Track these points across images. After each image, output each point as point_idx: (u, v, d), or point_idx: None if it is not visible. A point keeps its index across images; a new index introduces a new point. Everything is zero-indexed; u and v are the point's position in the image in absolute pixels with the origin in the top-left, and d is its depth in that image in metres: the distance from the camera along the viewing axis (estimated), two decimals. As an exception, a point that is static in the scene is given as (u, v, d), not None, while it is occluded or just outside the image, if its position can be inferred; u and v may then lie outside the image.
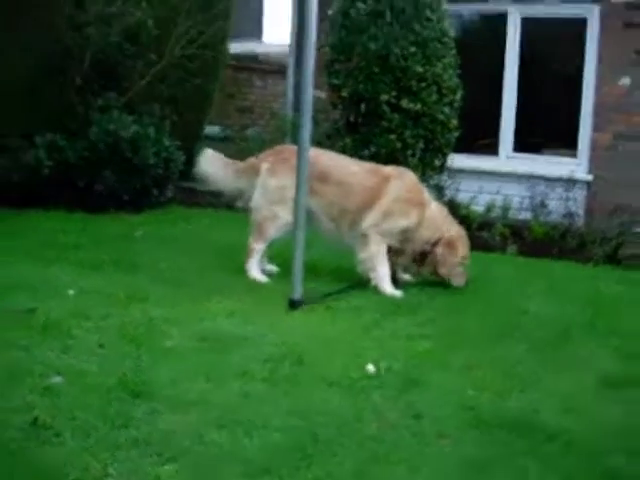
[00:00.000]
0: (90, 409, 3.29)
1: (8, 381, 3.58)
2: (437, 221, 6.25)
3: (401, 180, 6.28)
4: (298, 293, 5.25)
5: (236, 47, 12.86)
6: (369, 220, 6.07)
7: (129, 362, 3.90)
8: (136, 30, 9.30)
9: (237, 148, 10.69)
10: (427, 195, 6.42)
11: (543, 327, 5.08)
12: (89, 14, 9.06)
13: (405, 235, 6.16)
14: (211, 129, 11.73)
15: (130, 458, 2.90)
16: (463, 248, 6.30)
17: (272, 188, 6.29)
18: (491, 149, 10.42)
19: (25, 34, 8.59)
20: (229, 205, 10.02)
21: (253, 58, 16.23)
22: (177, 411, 3.33)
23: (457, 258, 6.21)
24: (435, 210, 6.33)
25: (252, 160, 6.74)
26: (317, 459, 2.97)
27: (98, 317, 4.72)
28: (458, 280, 6.25)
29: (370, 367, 3.99)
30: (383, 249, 6.08)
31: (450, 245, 6.20)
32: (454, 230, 6.33)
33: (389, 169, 6.50)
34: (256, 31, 22.48)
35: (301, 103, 5.36)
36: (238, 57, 13.70)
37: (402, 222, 6.12)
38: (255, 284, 5.96)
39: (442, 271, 6.22)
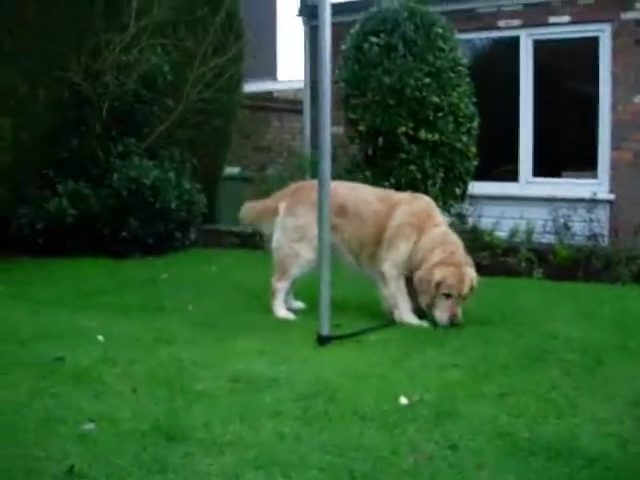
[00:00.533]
0: (125, 455, 3.28)
1: (42, 430, 3.58)
2: (426, 245, 5.80)
3: (409, 205, 6.04)
4: (326, 329, 5.23)
5: (251, 87, 13.00)
6: (382, 254, 5.95)
7: (162, 406, 3.89)
8: (152, 76, 9.42)
9: (257, 188, 10.77)
10: (436, 220, 6.03)
11: (575, 351, 5.02)
12: (106, 63, 9.18)
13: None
14: (230, 170, 11.82)
15: (167, 503, 2.89)
16: (445, 276, 5.65)
17: (291, 227, 6.26)
18: (511, 175, 10.43)
19: (44, 85, 8.71)
20: (253, 245, 10.13)
21: (268, 97, 16.39)
22: (212, 453, 3.31)
23: (431, 286, 5.67)
24: (433, 234, 5.87)
25: (269, 201, 6.67)
26: (356, 496, 2.94)
27: (127, 362, 4.73)
28: (438, 314, 5.72)
29: (403, 399, 3.97)
30: (401, 284, 5.92)
31: (428, 271, 5.70)
32: (439, 255, 5.73)
33: (402, 195, 6.35)
34: (271, 69, 22.75)
35: (319, 140, 5.37)
36: (254, 96, 13.84)
37: (403, 247, 5.88)
38: (282, 322, 5.96)
39: (420, 299, 5.80)
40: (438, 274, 5.64)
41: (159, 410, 3.83)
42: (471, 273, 5.79)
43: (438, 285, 5.65)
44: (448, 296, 5.65)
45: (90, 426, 3.61)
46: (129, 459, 3.25)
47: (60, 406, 3.91)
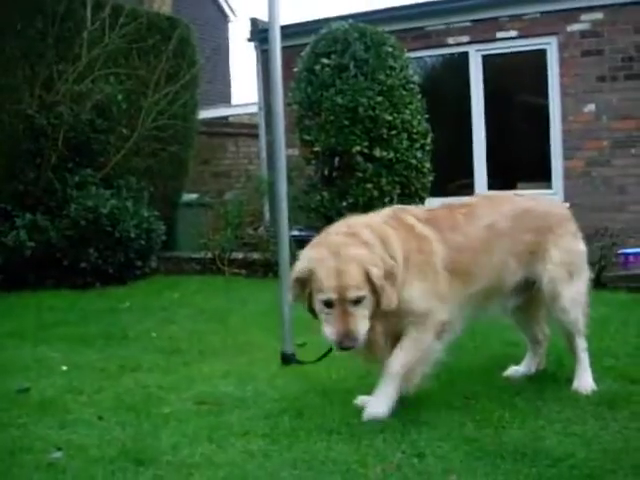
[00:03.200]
0: (95, 482, 3.28)
1: (9, 460, 3.56)
2: None
3: None
4: (289, 347, 5.26)
5: (206, 113, 13.05)
6: None
7: (129, 431, 3.89)
8: (107, 105, 9.42)
9: (216, 214, 10.81)
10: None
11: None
12: (59, 94, 9.17)
13: None
14: (188, 196, 11.83)
15: (139, 526, 2.89)
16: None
17: None
18: (467, 189, 10.54)
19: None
20: (213, 271, 10.14)
21: (224, 122, 16.44)
22: (181, 475, 3.32)
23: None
24: None
25: None
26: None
27: (93, 390, 4.73)
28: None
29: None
30: None
31: None
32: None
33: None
34: (225, 95, 22.82)
35: (274, 162, 5.43)
36: (209, 122, 13.88)
37: None
38: (246, 344, 5.95)
39: None
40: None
41: (126, 435, 3.83)
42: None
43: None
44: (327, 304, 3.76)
45: (58, 455, 3.60)
46: (99, 486, 3.25)
47: (26, 436, 3.90)
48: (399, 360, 3.96)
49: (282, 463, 3.40)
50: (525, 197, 4.83)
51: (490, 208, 4.46)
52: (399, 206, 4.56)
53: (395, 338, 4.04)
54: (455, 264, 4.12)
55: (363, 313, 3.73)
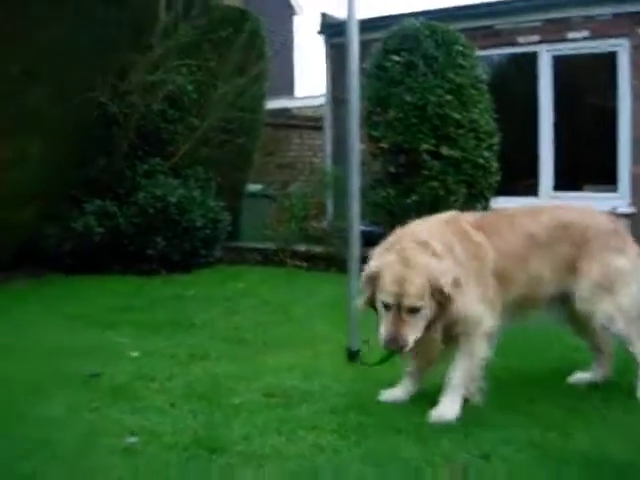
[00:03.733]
0: (169, 467, 3.39)
1: (85, 443, 3.69)
2: None
3: None
4: (355, 344, 5.31)
5: (271, 104, 13.12)
6: None
7: (200, 419, 3.99)
8: (178, 96, 9.56)
9: (280, 205, 10.91)
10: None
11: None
12: (132, 83, 9.33)
13: None
14: (253, 187, 11.95)
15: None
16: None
17: None
18: (532, 189, 10.49)
19: (72, 106, 8.86)
20: (276, 262, 10.24)
21: (287, 114, 16.52)
22: (253, 465, 3.40)
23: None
24: None
25: None
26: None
27: (163, 378, 4.83)
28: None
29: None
30: None
31: None
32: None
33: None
34: (288, 87, 22.92)
35: (348, 155, 5.47)
36: (274, 114, 13.98)
37: None
38: (310, 337, 6.02)
39: None
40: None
41: (198, 423, 3.93)
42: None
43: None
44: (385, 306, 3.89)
45: (133, 439, 3.71)
46: (173, 471, 3.36)
47: (101, 421, 4.02)
48: (460, 369, 4.06)
49: (351, 458, 3.47)
50: (569, 208, 4.80)
51: (530, 218, 4.52)
52: (453, 212, 4.56)
53: (446, 342, 4.13)
54: (500, 270, 4.21)
55: (417, 322, 3.83)
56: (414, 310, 3.81)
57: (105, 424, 3.95)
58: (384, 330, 3.84)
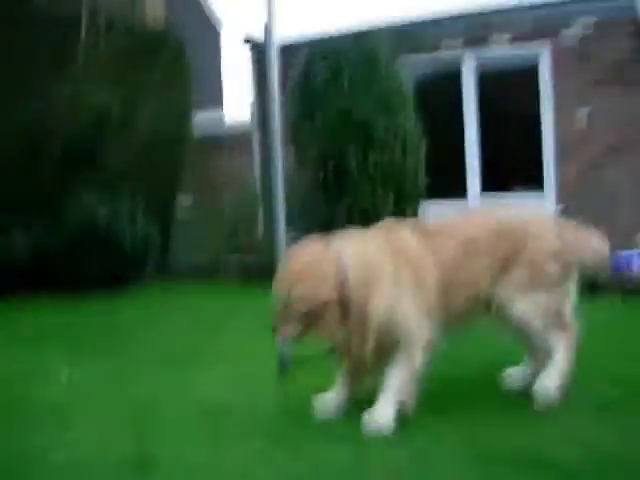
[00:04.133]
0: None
1: (12, 464, 3.63)
2: None
3: None
4: (286, 356, 5.27)
5: (199, 117, 13.03)
6: None
7: (132, 435, 3.93)
8: (103, 112, 9.44)
9: (211, 220, 10.85)
10: None
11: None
12: (53, 103, 9.18)
13: None
14: (183, 201, 11.86)
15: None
16: None
17: None
18: (461, 192, 10.59)
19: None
20: (209, 276, 10.18)
21: (216, 131, 16.44)
22: (185, 478, 3.36)
23: None
24: None
25: None
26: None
27: (95, 398, 4.77)
28: None
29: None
30: None
31: None
32: None
33: None
34: (217, 100, 22.78)
35: (271, 164, 5.47)
36: (202, 128, 13.88)
37: None
38: (244, 351, 5.97)
39: None
40: None
41: (129, 440, 3.87)
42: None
43: None
44: None
45: (60, 457, 3.63)
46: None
47: (28, 439, 3.93)
48: (395, 377, 4.00)
49: (284, 464, 3.45)
50: (504, 211, 4.76)
51: (466, 223, 4.54)
52: (391, 221, 4.52)
53: (382, 354, 4.06)
54: (440, 281, 4.17)
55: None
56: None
57: (32, 443, 3.87)
58: None
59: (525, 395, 4.30)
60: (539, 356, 4.56)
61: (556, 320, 4.36)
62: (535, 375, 4.43)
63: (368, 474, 3.35)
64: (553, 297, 4.37)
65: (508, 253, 4.33)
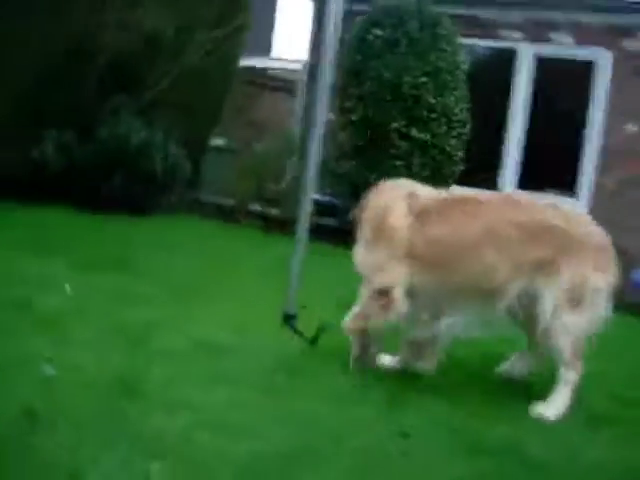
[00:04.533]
0: (85, 404, 3.33)
1: (3, 371, 3.61)
2: None
3: None
4: (292, 308, 5.27)
5: (246, 61, 12.95)
6: None
7: (124, 360, 3.94)
8: (155, 37, 9.38)
9: (242, 162, 10.81)
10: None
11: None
12: (108, 18, 9.14)
13: None
14: (218, 141, 11.82)
15: (120, 452, 2.94)
16: None
17: None
18: (493, 183, 10.51)
19: (43, 36, 8.67)
20: (232, 219, 10.18)
21: (262, 73, 16.34)
22: (168, 411, 3.37)
23: None
24: None
25: None
26: (305, 467, 3.01)
27: (95, 315, 4.78)
28: None
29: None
30: None
31: None
32: None
33: None
34: (266, 46, 22.66)
35: (312, 121, 5.41)
36: (249, 71, 13.81)
37: None
38: (251, 295, 5.97)
39: None
40: None
41: (122, 364, 3.88)
42: None
43: None
44: None
45: (52, 372, 3.64)
46: (88, 408, 3.31)
47: (23, 349, 3.94)
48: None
49: (267, 418, 3.45)
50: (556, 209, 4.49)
51: (496, 212, 4.39)
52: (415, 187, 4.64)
53: None
54: (425, 254, 4.27)
55: None
56: None
57: (27, 353, 3.88)
58: None
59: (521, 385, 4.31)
60: (540, 347, 4.53)
61: (581, 348, 4.23)
62: (533, 364, 4.50)
63: (349, 436, 3.34)
64: (593, 320, 4.21)
65: (547, 255, 4.19)
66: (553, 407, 4.11)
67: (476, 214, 4.36)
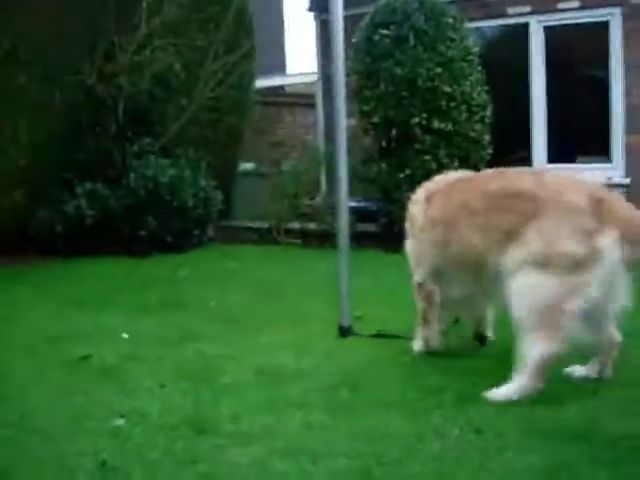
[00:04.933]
0: (156, 448, 3.35)
1: (73, 426, 3.66)
2: None
3: None
4: (347, 320, 5.28)
5: (262, 82, 13.03)
6: None
7: (190, 400, 3.96)
8: (165, 76, 9.48)
9: (272, 183, 10.84)
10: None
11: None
12: (119, 64, 9.25)
13: None
14: (245, 166, 11.88)
15: (199, 492, 2.96)
16: None
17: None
18: (525, 162, 10.42)
19: (59, 89, 8.81)
20: (269, 241, 10.20)
21: (279, 92, 16.42)
22: (241, 444, 3.37)
23: None
24: None
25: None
26: (384, 480, 3.01)
27: (154, 359, 4.82)
28: None
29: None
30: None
31: None
32: None
33: None
34: (280, 64, 22.77)
35: (335, 132, 5.41)
36: (265, 92, 13.88)
37: None
38: (303, 315, 5.97)
39: None
40: None
41: (187, 404, 3.91)
42: None
43: None
44: None
45: (120, 422, 3.68)
46: (160, 452, 3.32)
47: (90, 403, 3.99)
48: None
49: (340, 436, 3.44)
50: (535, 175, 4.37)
51: (474, 186, 4.40)
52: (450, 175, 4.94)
53: None
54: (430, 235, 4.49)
55: None
56: None
57: (94, 406, 3.93)
58: None
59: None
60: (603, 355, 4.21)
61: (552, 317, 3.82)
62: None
63: (424, 447, 3.31)
64: (568, 287, 3.82)
65: (512, 221, 3.97)
66: (504, 389, 3.88)
67: (462, 190, 4.42)
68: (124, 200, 9.17)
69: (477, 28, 10.57)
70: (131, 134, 9.60)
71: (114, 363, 4.72)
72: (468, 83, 8.82)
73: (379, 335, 5.11)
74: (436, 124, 8.64)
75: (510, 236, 3.97)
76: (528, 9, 10.50)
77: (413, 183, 7.60)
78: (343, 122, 5.38)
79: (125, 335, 5.41)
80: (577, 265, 3.77)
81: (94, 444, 3.42)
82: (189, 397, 4.01)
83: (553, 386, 4.01)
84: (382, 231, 9.16)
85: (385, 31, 8.79)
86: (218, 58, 10.10)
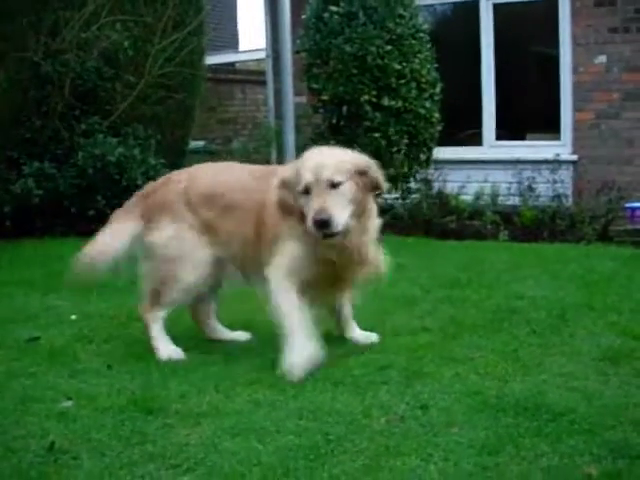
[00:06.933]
0: (104, 430, 3.35)
1: (20, 409, 3.64)
2: None
3: None
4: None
5: (213, 59, 12.92)
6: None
7: (138, 381, 3.96)
8: (113, 53, 9.36)
9: (222, 161, 10.78)
10: None
11: (541, 310, 5.13)
12: (65, 41, 9.11)
13: None
14: (195, 144, 11.80)
15: (148, 473, 2.95)
16: None
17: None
18: (475, 139, 10.50)
19: (3, 67, 8.65)
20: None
21: (231, 68, 16.31)
22: (189, 424, 3.38)
23: None
24: None
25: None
26: (331, 457, 3.03)
27: (101, 340, 4.81)
28: None
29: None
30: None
31: None
32: None
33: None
34: (232, 41, 22.60)
35: (282, 110, 5.41)
36: (216, 69, 13.78)
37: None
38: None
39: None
40: None
41: (135, 385, 3.91)
42: None
43: None
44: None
45: (68, 404, 3.67)
46: (108, 433, 3.32)
47: (37, 385, 3.97)
48: None
49: (288, 413, 3.47)
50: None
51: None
52: None
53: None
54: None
55: (341, 200, 3.88)
56: (335, 185, 3.85)
57: (41, 389, 3.90)
58: (311, 210, 3.82)
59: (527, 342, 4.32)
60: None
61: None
62: None
63: (370, 422, 3.35)
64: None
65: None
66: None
67: None
68: (72, 179, 9.05)
69: (428, 5, 10.60)
70: (79, 112, 9.46)
71: (62, 345, 4.69)
72: (418, 61, 8.83)
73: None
74: (386, 101, 8.65)
75: None
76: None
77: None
78: (290, 102, 5.39)
79: (73, 317, 5.38)
80: None
81: (41, 426, 3.40)
82: (137, 378, 4.01)
83: (499, 360, 4.10)
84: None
85: (335, 8, 8.75)
86: (167, 34, 9.99)
